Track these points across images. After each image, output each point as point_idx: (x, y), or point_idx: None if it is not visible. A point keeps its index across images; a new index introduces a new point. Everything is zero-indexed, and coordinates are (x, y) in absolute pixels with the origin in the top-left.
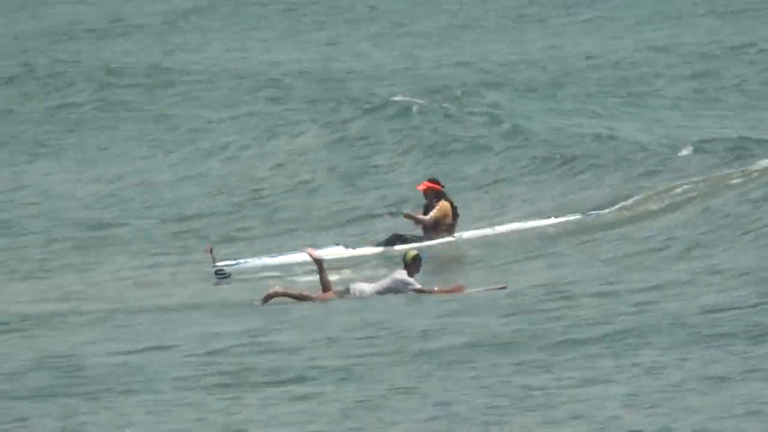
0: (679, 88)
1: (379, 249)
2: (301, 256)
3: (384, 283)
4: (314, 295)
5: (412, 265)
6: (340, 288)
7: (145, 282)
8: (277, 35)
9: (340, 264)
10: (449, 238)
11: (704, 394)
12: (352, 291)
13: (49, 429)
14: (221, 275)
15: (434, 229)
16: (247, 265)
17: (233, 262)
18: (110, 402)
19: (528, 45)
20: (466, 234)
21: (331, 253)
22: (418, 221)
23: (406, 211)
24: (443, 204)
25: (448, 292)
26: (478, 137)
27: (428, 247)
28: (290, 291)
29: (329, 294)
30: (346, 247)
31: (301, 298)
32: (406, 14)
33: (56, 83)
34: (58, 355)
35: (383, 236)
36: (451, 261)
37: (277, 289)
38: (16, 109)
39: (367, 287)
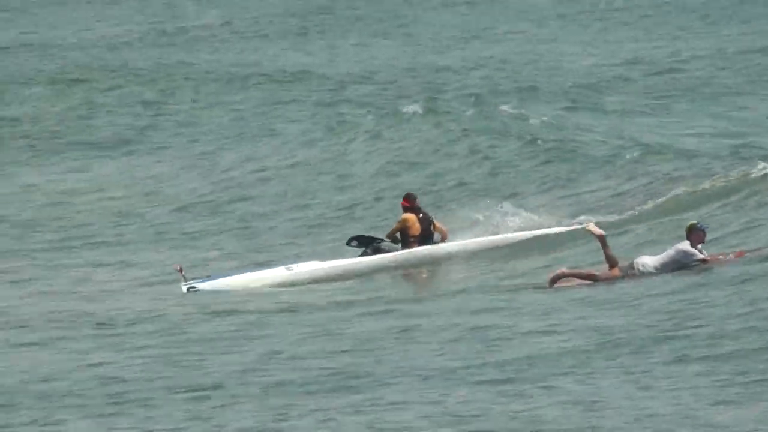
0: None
1: (356, 260)
2: (277, 273)
3: (667, 255)
4: (600, 274)
5: (693, 234)
6: (624, 264)
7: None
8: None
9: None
10: (423, 247)
11: None
12: (635, 266)
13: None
14: (192, 291)
15: (400, 240)
16: (216, 281)
17: (200, 280)
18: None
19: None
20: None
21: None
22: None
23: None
24: (403, 217)
25: (732, 257)
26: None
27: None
28: (577, 271)
29: (615, 271)
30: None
31: (588, 277)
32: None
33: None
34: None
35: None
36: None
37: (564, 270)
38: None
39: (650, 260)
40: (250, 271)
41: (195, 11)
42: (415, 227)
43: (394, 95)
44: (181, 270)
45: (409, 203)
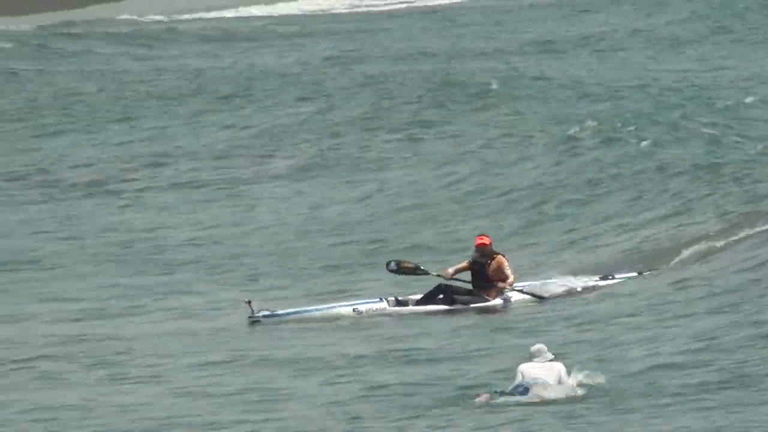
0: None
1: (436, 307)
2: (343, 310)
3: None
4: None
5: None
6: None
7: None
8: None
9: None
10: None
11: None
12: None
13: None
14: (255, 322)
15: (483, 283)
16: (284, 316)
17: (269, 313)
18: None
19: None
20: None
21: (373, 308)
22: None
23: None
24: (501, 259)
25: None
26: None
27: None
28: None
29: None
30: (391, 302)
31: None
32: None
33: None
34: None
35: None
36: None
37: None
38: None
39: None
40: (317, 309)
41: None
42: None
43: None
44: (249, 303)
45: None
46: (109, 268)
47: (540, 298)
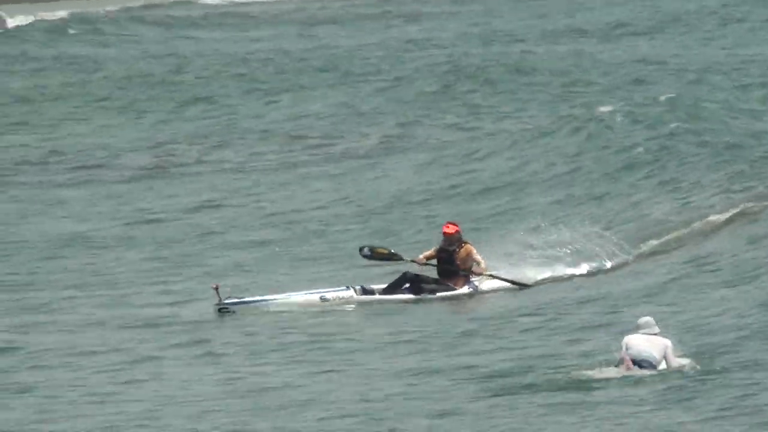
0: None
1: (402, 296)
2: (310, 298)
3: None
4: None
5: None
6: None
7: None
8: None
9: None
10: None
11: None
12: None
13: None
14: (224, 311)
15: (450, 271)
16: (252, 304)
17: (237, 300)
18: None
19: None
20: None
21: (340, 296)
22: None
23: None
24: (470, 248)
25: None
26: None
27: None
28: None
29: None
30: (357, 290)
31: None
32: None
33: None
34: None
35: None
36: None
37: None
38: None
39: None
40: (285, 296)
41: None
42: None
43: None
44: (216, 289)
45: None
46: (195, 247)
47: (522, 286)
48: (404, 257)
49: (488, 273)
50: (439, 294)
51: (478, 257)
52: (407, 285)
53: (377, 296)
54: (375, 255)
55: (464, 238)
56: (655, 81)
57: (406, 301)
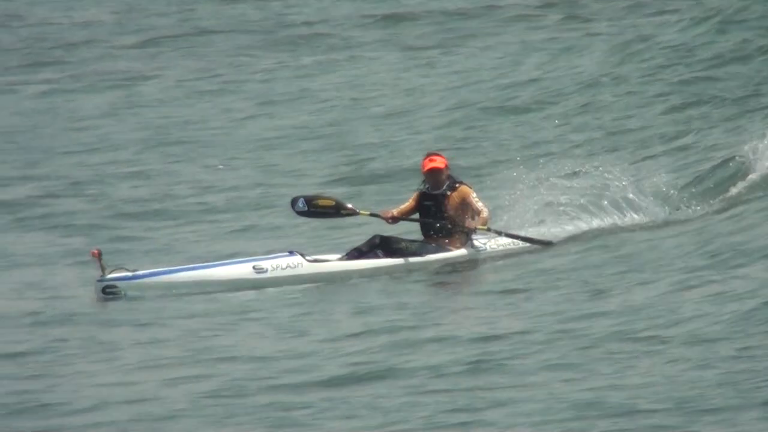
0: None
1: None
2: (240, 269)
3: None
4: None
5: None
6: None
7: None
8: None
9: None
10: (458, 251)
11: None
12: None
13: None
14: (110, 293)
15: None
16: (149, 279)
17: (128, 275)
18: None
19: None
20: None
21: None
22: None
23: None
24: (467, 189)
25: None
26: None
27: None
28: None
29: None
30: (305, 256)
31: None
32: None
33: None
34: None
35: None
36: None
37: None
38: None
39: None
40: (198, 268)
41: None
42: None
43: None
44: (99, 256)
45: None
46: None
47: (543, 244)
48: (360, 210)
49: (491, 228)
50: (427, 257)
51: (477, 205)
52: (377, 251)
53: (335, 263)
54: (315, 209)
55: (458, 177)
56: None
57: (375, 270)
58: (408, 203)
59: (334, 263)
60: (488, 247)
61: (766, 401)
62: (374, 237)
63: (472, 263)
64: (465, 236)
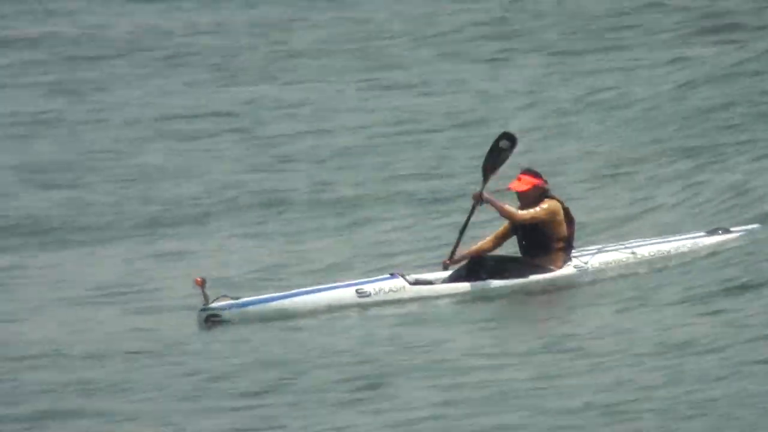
0: None
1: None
2: (343, 293)
3: None
4: None
5: None
6: None
7: None
8: None
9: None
10: (561, 271)
11: None
12: None
13: None
14: (215, 319)
15: (536, 243)
16: (254, 306)
17: (232, 303)
18: None
19: None
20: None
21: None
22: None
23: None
24: (552, 203)
25: None
26: None
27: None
28: None
29: None
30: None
31: None
32: None
33: None
34: None
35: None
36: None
37: None
38: None
39: None
40: (299, 294)
41: None
42: (564, 225)
43: None
44: (203, 284)
45: (543, 184)
46: None
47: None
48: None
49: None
50: (531, 278)
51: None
52: (480, 273)
53: (442, 285)
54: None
55: (552, 192)
56: None
57: (483, 290)
58: (500, 229)
59: (440, 286)
60: (590, 266)
61: None
62: (473, 257)
63: (578, 279)
64: (564, 254)
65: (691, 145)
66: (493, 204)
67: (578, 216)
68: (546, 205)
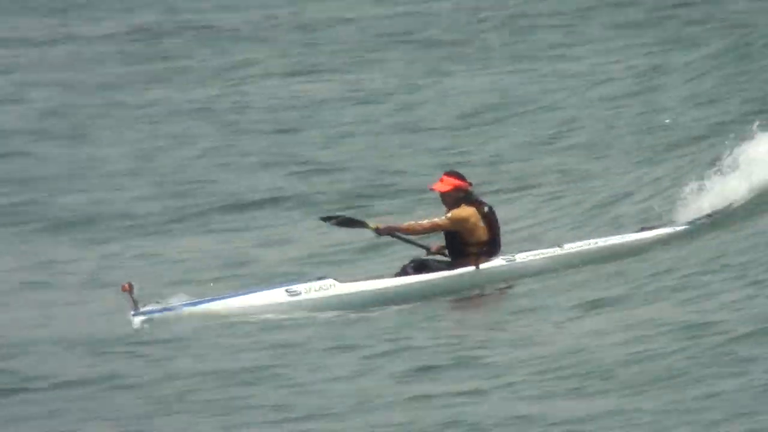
0: None
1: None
2: (273, 294)
3: None
4: None
5: None
6: None
7: None
8: None
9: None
10: (497, 262)
11: None
12: None
13: None
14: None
15: (450, 250)
16: (179, 310)
17: (159, 308)
18: None
19: None
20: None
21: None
22: (408, 231)
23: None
24: (461, 213)
25: None
26: None
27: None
28: None
29: None
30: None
31: None
32: None
33: None
34: None
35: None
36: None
37: None
38: None
39: None
40: (230, 297)
41: None
42: (481, 229)
43: None
44: (130, 289)
45: (466, 186)
46: None
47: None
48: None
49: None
50: (456, 272)
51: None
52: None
53: (368, 282)
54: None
55: (474, 195)
56: None
57: (410, 287)
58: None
59: (368, 282)
60: (517, 259)
61: None
62: (411, 260)
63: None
64: (484, 257)
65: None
66: (393, 232)
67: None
68: (451, 213)
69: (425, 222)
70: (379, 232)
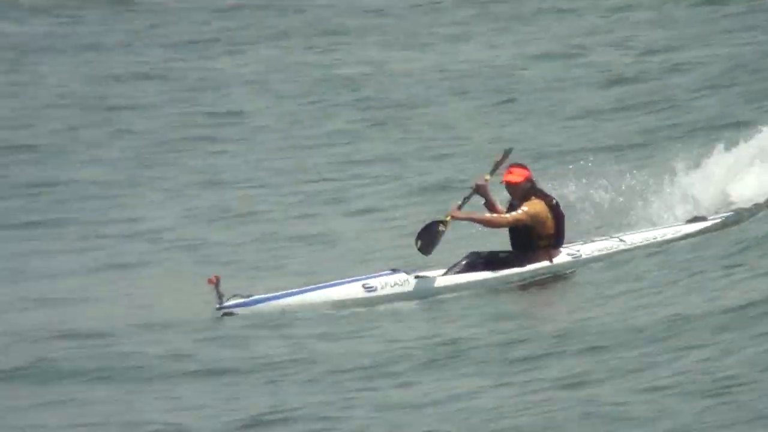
0: None
1: (462, 277)
2: (350, 288)
3: None
4: None
5: None
6: None
7: None
8: None
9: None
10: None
11: None
12: None
13: None
14: (227, 314)
15: (518, 239)
16: (265, 304)
17: (244, 300)
18: None
19: None
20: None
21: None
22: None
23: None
24: (534, 207)
25: None
26: None
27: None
28: None
29: None
30: (408, 272)
31: None
32: None
33: None
34: None
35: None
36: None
37: None
38: None
39: None
40: (310, 290)
41: None
42: (550, 222)
43: None
44: (216, 283)
45: (531, 179)
46: None
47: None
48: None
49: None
50: (527, 268)
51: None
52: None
53: (445, 277)
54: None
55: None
56: None
57: (484, 283)
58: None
59: (441, 278)
60: (582, 254)
61: None
62: (471, 254)
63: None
64: (552, 251)
65: None
66: (469, 219)
67: None
68: (528, 207)
69: (508, 216)
70: (457, 218)
